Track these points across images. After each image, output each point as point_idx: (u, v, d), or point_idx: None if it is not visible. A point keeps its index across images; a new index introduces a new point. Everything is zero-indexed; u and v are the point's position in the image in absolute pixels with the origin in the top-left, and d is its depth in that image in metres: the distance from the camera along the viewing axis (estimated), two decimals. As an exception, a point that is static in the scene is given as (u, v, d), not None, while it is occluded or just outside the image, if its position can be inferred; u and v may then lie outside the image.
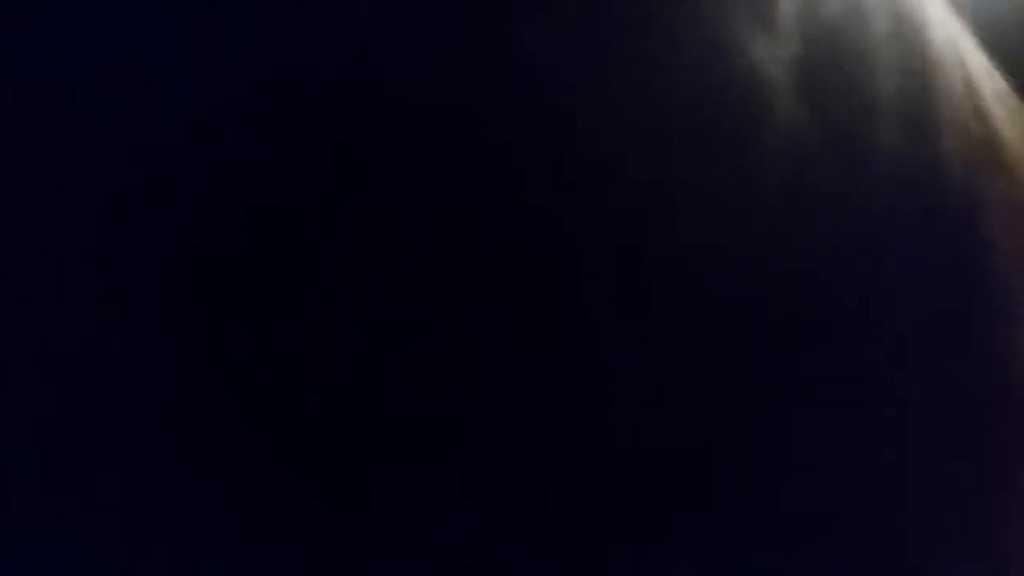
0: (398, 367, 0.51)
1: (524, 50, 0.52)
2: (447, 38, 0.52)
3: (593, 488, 0.53)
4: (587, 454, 0.52)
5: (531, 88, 0.52)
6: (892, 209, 0.58)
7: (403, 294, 0.51)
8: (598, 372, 0.52)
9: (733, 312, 0.54)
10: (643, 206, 0.53)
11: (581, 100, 0.53)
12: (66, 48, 0.50)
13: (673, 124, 0.54)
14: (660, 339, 0.53)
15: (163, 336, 0.51)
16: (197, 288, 0.51)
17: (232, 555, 0.51)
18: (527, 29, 0.52)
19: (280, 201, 0.50)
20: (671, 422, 0.52)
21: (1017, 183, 0.63)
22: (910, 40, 0.61)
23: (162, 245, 0.50)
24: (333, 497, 0.51)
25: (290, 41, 0.50)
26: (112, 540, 0.51)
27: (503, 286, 0.52)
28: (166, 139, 0.50)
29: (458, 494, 0.52)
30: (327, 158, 0.51)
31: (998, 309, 0.61)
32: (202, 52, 0.50)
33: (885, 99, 0.59)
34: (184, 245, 0.50)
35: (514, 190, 0.52)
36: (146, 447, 0.50)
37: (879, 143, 0.58)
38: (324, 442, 0.51)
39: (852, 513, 0.56)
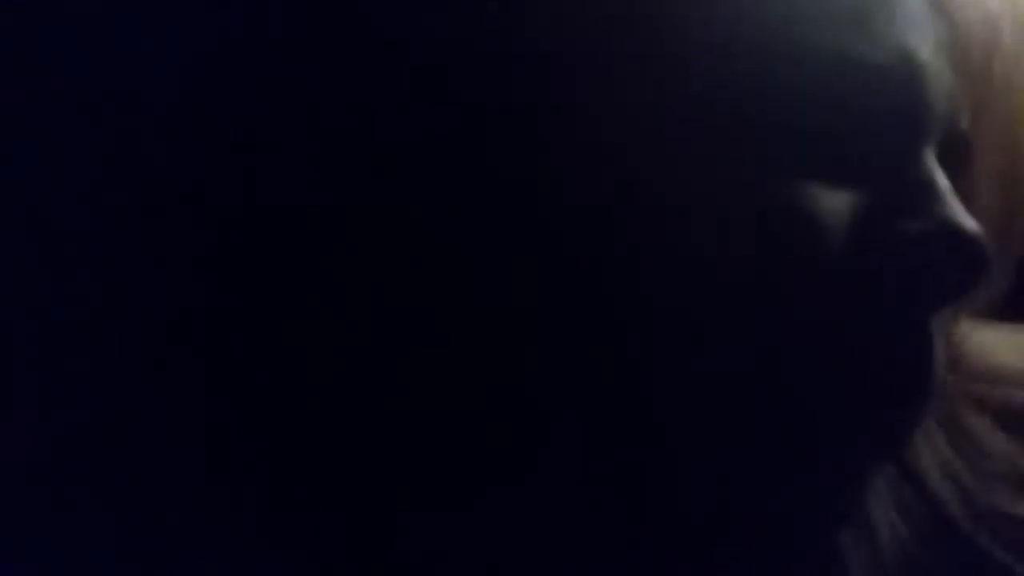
0: (400, 367, 0.51)
1: None
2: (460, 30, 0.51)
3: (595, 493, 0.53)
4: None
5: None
6: None
7: (408, 293, 0.51)
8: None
9: None
10: None
11: None
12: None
13: None
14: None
15: (167, 336, 0.51)
16: (201, 288, 0.50)
17: (232, 556, 0.51)
18: None
19: (283, 202, 0.50)
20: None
21: None
22: None
23: (163, 245, 0.50)
24: (331, 498, 0.51)
25: (291, 41, 0.50)
26: (112, 540, 0.51)
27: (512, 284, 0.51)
28: (167, 139, 0.50)
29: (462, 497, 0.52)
30: (331, 159, 0.51)
31: None
32: (203, 52, 0.50)
33: None
34: (192, 246, 0.50)
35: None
36: (146, 447, 0.50)
37: None
38: (324, 442, 0.51)
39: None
